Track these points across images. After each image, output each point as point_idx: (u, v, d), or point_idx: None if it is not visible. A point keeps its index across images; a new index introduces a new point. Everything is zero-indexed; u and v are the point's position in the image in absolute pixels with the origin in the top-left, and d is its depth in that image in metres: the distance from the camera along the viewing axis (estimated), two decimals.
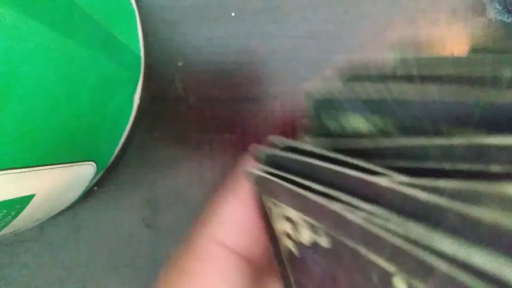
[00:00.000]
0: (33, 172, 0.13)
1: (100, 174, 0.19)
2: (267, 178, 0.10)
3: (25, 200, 0.13)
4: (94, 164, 0.17)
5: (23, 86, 0.11)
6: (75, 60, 0.13)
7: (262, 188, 0.11)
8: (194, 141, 0.20)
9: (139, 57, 0.19)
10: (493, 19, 0.18)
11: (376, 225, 0.07)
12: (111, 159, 0.19)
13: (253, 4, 0.19)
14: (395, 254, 0.06)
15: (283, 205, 0.10)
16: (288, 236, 0.10)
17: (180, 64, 0.20)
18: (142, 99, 0.19)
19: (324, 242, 0.09)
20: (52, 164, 0.14)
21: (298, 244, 0.10)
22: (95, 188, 0.20)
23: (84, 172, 0.16)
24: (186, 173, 0.20)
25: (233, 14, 0.19)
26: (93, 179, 0.18)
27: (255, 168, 0.10)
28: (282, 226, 0.10)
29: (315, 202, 0.08)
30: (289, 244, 0.10)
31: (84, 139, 0.15)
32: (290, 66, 0.19)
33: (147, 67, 0.19)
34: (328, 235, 0.08)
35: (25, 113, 0.11)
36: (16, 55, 0.11)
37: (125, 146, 0.19)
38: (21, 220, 0.14)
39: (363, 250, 0.07)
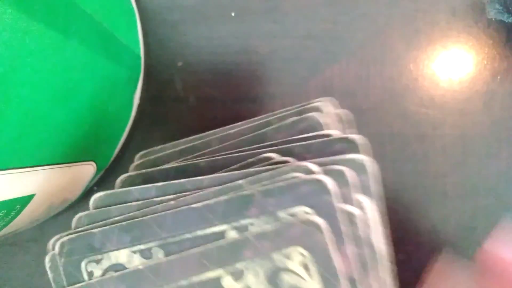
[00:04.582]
0: (33, 172, 0.13)
1: (100, 174, 0.19)
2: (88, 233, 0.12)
3: (25, 200, 0.13)
4: (94, 164, 0.17)
5: (22, 86, 0.11)
6: (75, 60, 0.13)
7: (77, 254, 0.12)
8: None
9: (139, 57, 0.19)
10: (493, 19, 0.18)
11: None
12: (111, 159, 0.19)
13: (253, 4, 0.19)
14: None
15: (109, 254, 0.11)
16: None
17: (180, 64, 0.20)
18: (142, 99, 0.19)
19: (160, 254, 0.11)
20: (52, 164, 0.14)
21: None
22: (95, 188, 0.20)
23: (84, 172, 0.16)
24: None
25: (233, 14, 0.19)
26: (93, 179, 0.18)
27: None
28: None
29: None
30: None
31: (84, 139, 0.15)
32: (290, 66, 0.19)
33: (147, 67, 0.19)
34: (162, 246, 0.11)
35: (25, 113, 0.11)
36: (15, 55, 0.11)
37: (125, 146, 0.19)
38: (21, 220, 0.14)
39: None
